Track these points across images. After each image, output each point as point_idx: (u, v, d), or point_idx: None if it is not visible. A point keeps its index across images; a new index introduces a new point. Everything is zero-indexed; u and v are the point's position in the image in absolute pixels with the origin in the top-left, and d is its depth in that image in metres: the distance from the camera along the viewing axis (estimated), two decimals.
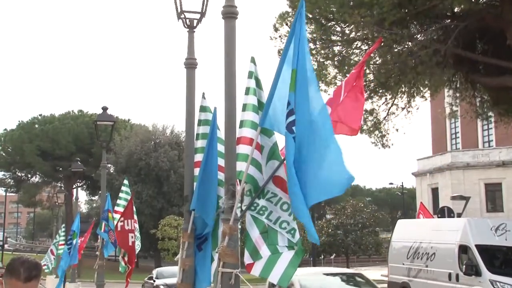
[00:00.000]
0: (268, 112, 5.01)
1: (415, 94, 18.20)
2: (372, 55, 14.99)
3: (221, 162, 6.98)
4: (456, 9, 16.69)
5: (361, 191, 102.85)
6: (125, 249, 12.29)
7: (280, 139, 5.96)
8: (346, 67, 16.30)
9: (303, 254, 5.57)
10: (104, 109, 15.01)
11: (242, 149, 5.95)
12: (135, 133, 52.91)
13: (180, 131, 53.12)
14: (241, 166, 5.76)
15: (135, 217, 13.31)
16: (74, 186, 56.32)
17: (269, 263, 5.27)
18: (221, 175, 6.91)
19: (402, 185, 62.90)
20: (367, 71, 16.33)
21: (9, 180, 64.29)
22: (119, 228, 12.42)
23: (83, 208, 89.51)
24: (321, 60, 16.89)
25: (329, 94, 17.43)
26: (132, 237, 12.03)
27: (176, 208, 47.85)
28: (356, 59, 16.55)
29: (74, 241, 19.07)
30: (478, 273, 16.38)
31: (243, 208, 5.64)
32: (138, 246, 14.14)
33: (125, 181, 15.92)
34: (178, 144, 51.40)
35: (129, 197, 14.18)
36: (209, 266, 6.81)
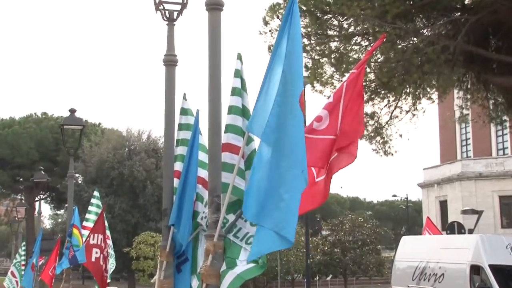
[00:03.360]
0: (255, 116, 5.03)
1: (421, 96, 18.28)
2: (373, 52, 15.06)
3: (201, 173, 6.98)
4: (466, 1, 16.83)
5: (361, 204, 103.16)
6: (87, 265, 12.40)
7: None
8: (344, 65, 16.35)
9: (264, 268, 5.64)
10: (72, 111, 14.97)
11: (226, 157, 5.97)
12: (106, 138, 52.72)
13: (158, 137, 52.98)
14: (223, 176, 5.78)
15: (108, 233, 13.29)
16: (36, 199, 55.91)
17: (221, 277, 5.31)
18: (199, 189, 6.91)
19: (407, 198, 63.19)
20: (368, 69, 16.40)
21: None
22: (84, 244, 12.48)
23: (47, 223, 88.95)
24: (316, 57, 16.93)
25: (324, 95, 17.52)
26: (96, 252, 12.11)
27: (153, 223, 47.64)
28: (355, 56, 16.61)
29: (32, 261, 18.97)
30: None
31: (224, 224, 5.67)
32: (112, 265, 14.12)
33: (95, 193, 15.87)
34: (156, 151, 51.25)
35: (99, 211, 14.15)
36: None
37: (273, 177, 4.68)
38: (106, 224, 13.26)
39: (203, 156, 7.20)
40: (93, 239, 12.27)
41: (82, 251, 12.41)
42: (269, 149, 4.75)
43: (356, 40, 16.98)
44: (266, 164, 4.74)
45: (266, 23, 17.34)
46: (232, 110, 6.30)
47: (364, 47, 16.76)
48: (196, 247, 6.95)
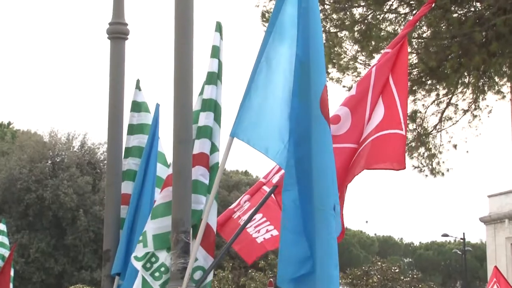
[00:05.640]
0: (242, 116, 5.07)
1: (485, 89, 18.36)
2: (417, 24, 15.11)
3: (157, 194, 7.02)
4: None
5: (396, 246, 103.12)
6: None
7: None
8: (373, 42, 16.42)
9: None
10: None
11: (197, 173, 6.02)
12: (19, 145, 52.48)
13: (97, 144, 52.90)
14: (195, 201, 5.84)
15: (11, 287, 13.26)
16: None
17: None
18: None
19: (464, 239, 63.25)
20: (408, 49, 16.45)
21: None
22: None
23: None
24: (333, 30, 16.99)
25: (344, 86, 17.58)
26: None
27: (87, 272, 47.47)
28: (389, 29, 16.68)
29: None
30: None
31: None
32: None
33: (1, 227, 15.81)
34: (94, 165, 51.14)
35: (7, 253, 14.11)
36: None
37: (310, 223, 4.79)
38: (12, 273, 13.23)
39: (161, 169, 7.23)
40: None
41: None
42: (293, 181, 4.83)
43: (391, 5, 17.05)
44: (292, 204, 4.82)
45: None
46: (207, 105, 6.35)
47: (402, 15, 16.84)
48: None
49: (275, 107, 5.00)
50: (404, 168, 5.72)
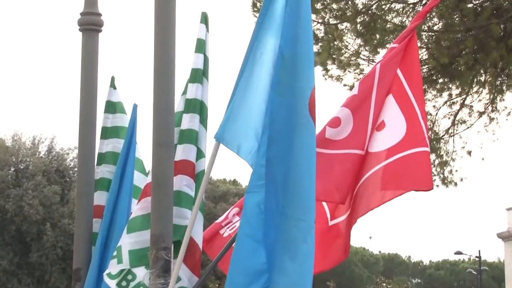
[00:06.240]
0: (230, 119, 5.07)
1: (504, 88, 18.39)
2: (427, 15, 15.13)
3: (133, 206, 7.02)
4: None
5: (403, 265, 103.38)
6: None
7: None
8: (377, 36, 16.44)
9: None
10: None
11: (180, 183, 6.03)
12: None
13: (66, 149, 52.88)
14: (179, 215, 5.84)
15: None
16: None
17: None
18: None
19: (479, 257, 63.44)
20: (418, 43, 16.44)
21: None
22: None
23: None
24: (333, 21, 17.02)
25: (345, 85, 17.60)
26: None
27: None
28: (396, 21, 16.72)
29: None
30: None
31: None
32: None
33: None
34: (62, 172, 51.09)
35: None
36: None
37: (274, 233, 4.76)
38: None
39: (138, 178, 7.23)
40: None
41: None
42: (261, 183, 4.81)
43: None
44: (255, 207, 4.79)
45: None
46: (190, 105, 6.35)
47: (411, 6, 16.87)
48: None
49: (254, 102, 4.99)
50: (432, 188, 5.73)
